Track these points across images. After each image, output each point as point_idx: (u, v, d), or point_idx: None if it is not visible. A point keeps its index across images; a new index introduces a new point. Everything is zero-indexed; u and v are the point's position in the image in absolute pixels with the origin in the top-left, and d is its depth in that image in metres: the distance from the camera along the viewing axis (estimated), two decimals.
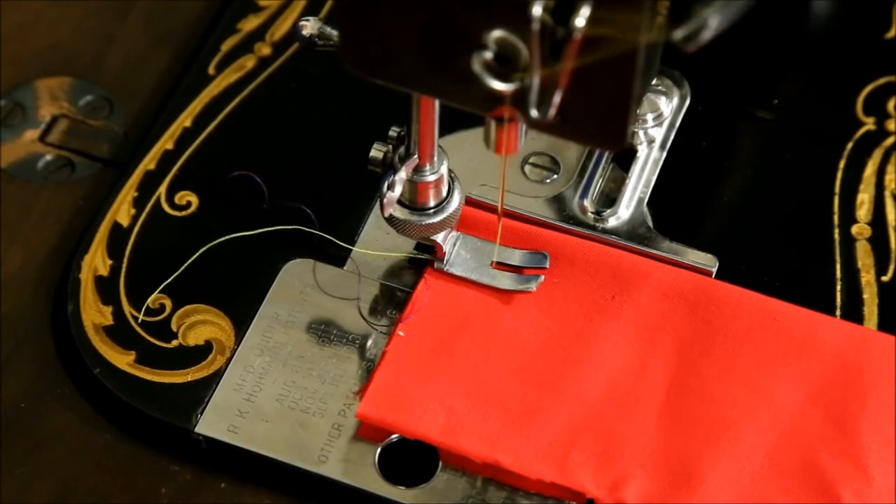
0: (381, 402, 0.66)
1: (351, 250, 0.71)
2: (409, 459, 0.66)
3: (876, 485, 0.63)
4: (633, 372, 0.67)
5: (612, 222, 0.71)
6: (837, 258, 0.71)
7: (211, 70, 0.78)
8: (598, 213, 0.72)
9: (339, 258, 0.71)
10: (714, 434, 0.65)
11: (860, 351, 0.67)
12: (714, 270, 0.70)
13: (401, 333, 0.68)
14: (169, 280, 0.70)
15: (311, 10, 0.80)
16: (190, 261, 0.70)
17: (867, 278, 0.71)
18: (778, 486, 0.63)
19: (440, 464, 0.66)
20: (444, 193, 0.67)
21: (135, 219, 0.73)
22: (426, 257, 0.70)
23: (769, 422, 0.65)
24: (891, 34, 0.78)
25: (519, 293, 0.69)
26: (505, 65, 0.54)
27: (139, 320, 0.69)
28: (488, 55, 0.54)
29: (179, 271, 0.70)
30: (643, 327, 0.68)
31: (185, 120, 0.76)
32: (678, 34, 0.52)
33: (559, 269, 0.70)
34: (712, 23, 0.52)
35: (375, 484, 0.65)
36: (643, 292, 0.69)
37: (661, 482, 0.64)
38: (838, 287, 0.70)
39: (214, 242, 0.71)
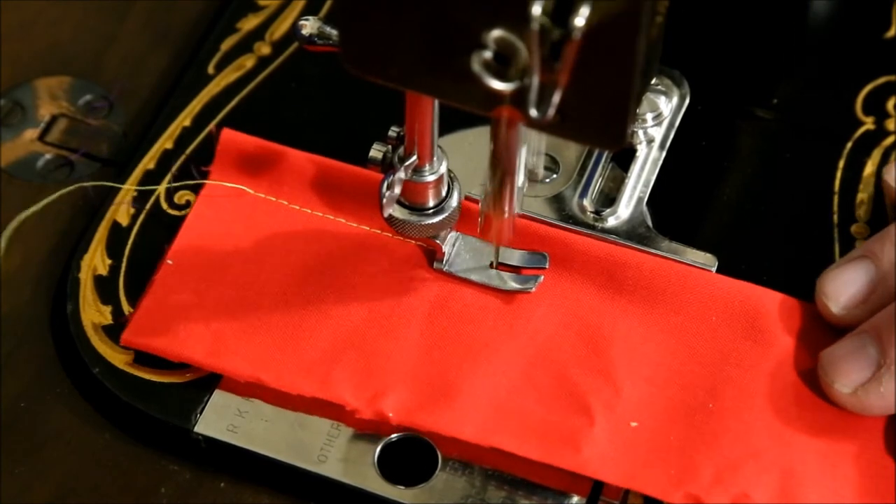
0: (147, 328, 0.68)
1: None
2: (408, 459, 0.66)
3: (624, 394, 0.66)
4: (397, 295, 0.69)
5: (611, 222, 0.71)
6: (837, 258, 0.71)
7: (210, 69, 0.78)
8: (597, 212, 0.72)
9: None
10: (473, 351, 0.68)
11: (613, 275, 0.69)
12: (714, 270, 0.70)
13: (169, 262, 0.70)
14: None
15: (310, 10, 0.80)
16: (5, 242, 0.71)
17: None
18: (533, 398, 0.66)
19: (440, 463, 0.66)
20: (444, 193, 0.67)
21: (134, 218, 0.73)
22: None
23: (526, 341, 0.68)
24: (890, 34, 0.78)
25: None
26: (504, 64, 0.54)
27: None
28: (488, 55, 0.54)
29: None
30: (408, 256, 0.70)
31: (185, 119, 0.76)
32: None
33: (332, 199, 0.72)
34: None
35: (375, 483, 0.65)
36: None
37: (420, 394, 0.66)
38: None
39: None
